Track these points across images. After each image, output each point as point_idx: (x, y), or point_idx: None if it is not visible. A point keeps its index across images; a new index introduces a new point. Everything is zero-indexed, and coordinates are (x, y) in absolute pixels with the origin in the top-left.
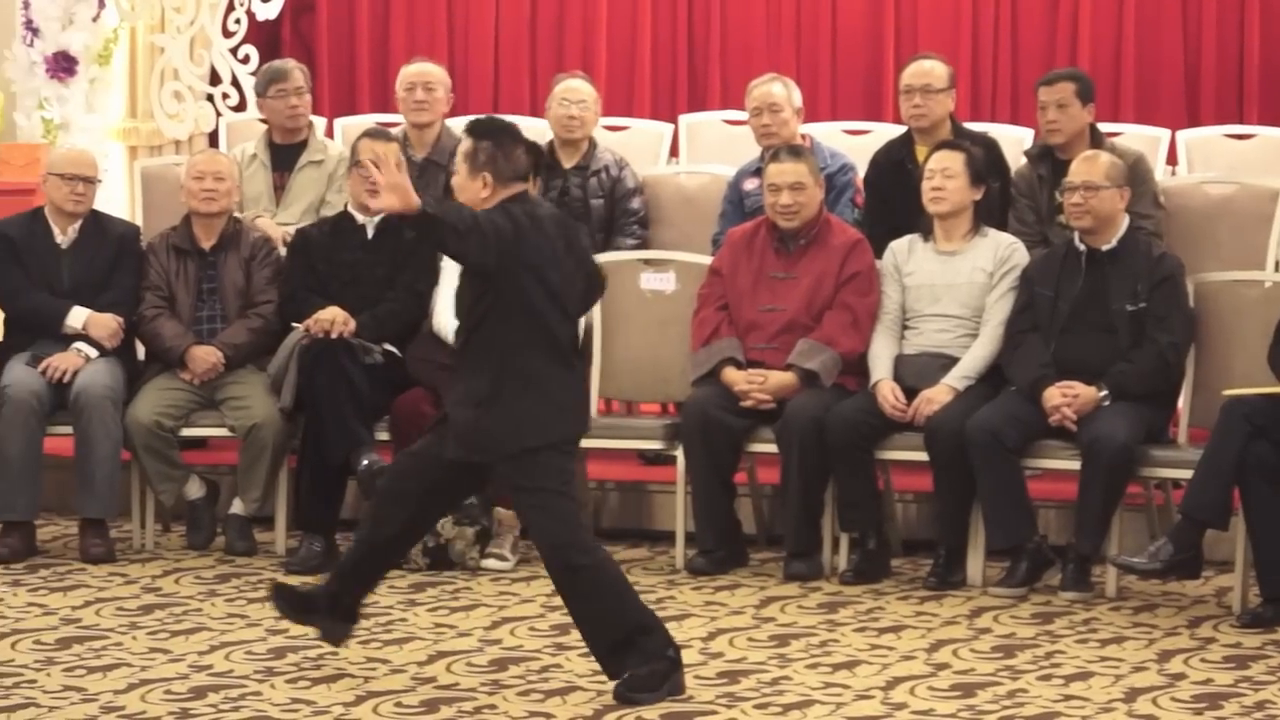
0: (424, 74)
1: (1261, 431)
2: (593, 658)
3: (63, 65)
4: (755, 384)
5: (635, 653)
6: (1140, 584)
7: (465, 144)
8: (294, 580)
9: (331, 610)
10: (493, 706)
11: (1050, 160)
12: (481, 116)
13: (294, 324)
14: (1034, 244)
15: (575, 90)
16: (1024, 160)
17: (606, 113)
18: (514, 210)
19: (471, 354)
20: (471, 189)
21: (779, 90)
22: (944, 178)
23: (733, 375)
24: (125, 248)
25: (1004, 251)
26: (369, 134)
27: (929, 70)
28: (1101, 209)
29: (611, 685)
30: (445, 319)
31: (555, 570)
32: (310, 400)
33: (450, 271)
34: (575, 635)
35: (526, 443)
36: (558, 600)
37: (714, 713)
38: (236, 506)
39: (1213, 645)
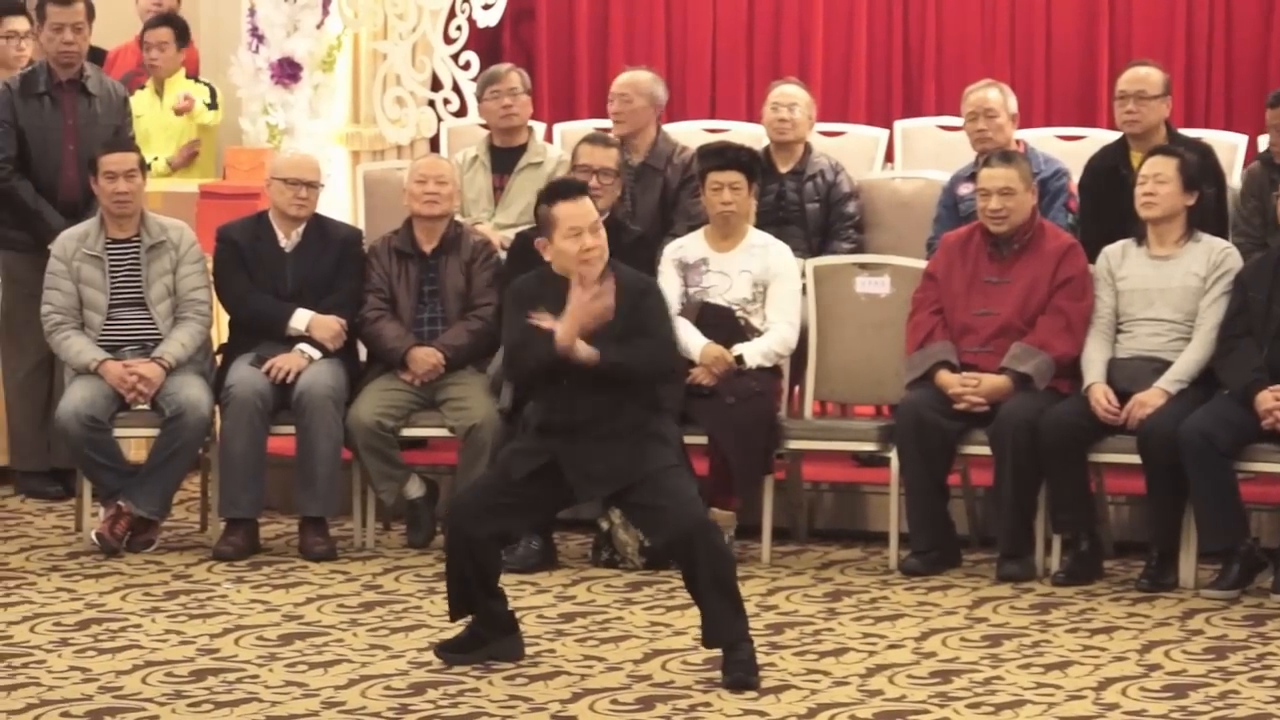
0: (623, 84)
1: None
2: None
3: (287, 71)
4: (969, 387)
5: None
6: None
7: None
8: (448, 634)
9: (493, 631)
10: (707, 704)
11: None
12: None
13: None
14: (1254, 247)
15: (787, 94)
16: (1258, 163)
17: (822, 118)
18: None
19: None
20: None
21: (995, 96)
22: (1156, 183)
23: (947, 378)
24: (348, 251)
25: (1217, 256)
26: (589, 139)
27: (1144, 76)
28: None
29: None
30: None
31: None
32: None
33: (668, 276)
34: (790, 634)
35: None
36: (773, 600)
37: (927, 712)
38: None
39: None
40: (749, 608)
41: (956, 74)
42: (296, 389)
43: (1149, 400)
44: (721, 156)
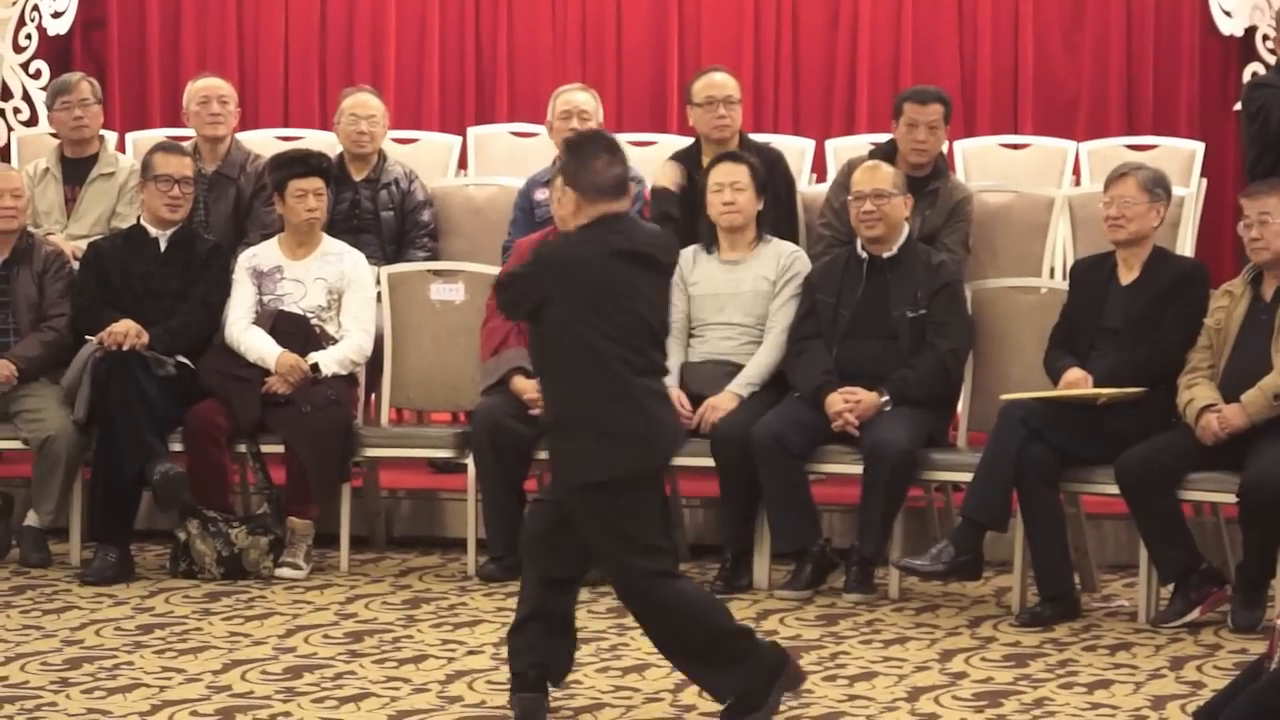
0: (217, 88)
1: (1037, 434)
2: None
3: None
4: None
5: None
6: (922, 585)
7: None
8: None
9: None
10: (287, 714)
11: None
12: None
13: (87, 337)
14: (837, 245)
15: (364, 104)
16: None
17: (395, 125)
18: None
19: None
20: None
21: (587, 99)
22: (734, 191)
23: (522, 384)
24: None
25: (786, 260)
26: (162, 148)
27: (726, 82)
28: (894, 215)
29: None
30: (237, 330)
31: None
32: (104, 412)
33: (242, 284)
34: (370, 642)
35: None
36: (351, 608)
37: (509, 715)
38: (31, 519)
39: (993, 644)
40: (326, 616)
41: (529, 80)
42: None
43: (721, 404)
44: (305, 164)
